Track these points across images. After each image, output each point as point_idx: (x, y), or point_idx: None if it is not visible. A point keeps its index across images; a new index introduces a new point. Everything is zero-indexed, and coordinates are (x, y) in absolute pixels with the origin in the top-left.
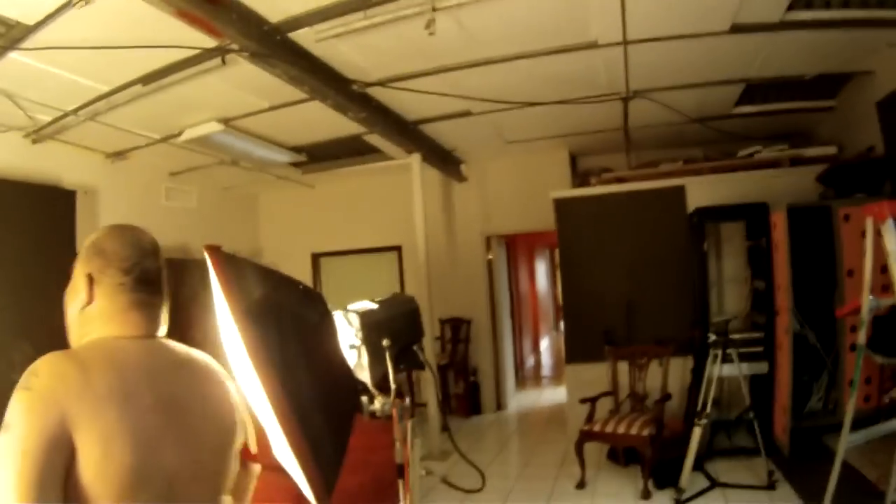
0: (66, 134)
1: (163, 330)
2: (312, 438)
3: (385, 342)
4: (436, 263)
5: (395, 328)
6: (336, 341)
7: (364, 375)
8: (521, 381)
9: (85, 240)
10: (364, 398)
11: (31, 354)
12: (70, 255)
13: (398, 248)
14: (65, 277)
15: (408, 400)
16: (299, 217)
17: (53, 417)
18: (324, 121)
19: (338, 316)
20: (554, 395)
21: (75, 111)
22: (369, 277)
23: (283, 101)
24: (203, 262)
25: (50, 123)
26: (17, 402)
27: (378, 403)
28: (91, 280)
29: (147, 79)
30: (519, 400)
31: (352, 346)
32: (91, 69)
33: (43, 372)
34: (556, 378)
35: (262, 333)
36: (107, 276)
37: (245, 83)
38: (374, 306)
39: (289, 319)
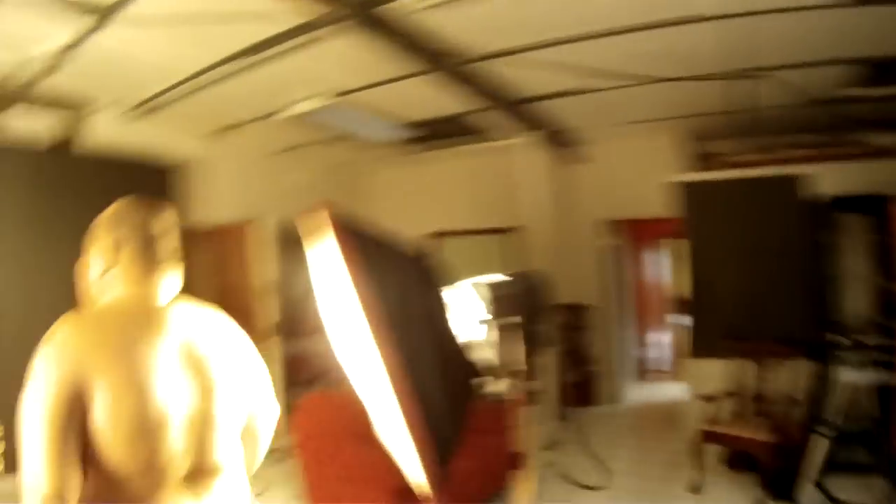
0: (166, 111)
1: (177, 290)
2: (430, 415)
3: (516, 318)
4: (552, 247)
5: (525, 305)
6: (447, 315)
7: (489, 353)
8: (639, 374)
9: (102, 215)
10: (487, 378)
11: None
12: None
13: (515, 230)
14: None
15: (533, 383)
16: (413, 196)
17: (71, 369)
18: (434, 96)
19: (467, 288)
20: (668, 389)
21: (175, 86)
22: (485, 259)
23: (392, 75)
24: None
25: (148, 100)
26: (40, 357)
27: (502, 384)
28: (117, 246)
29: (248, 52)
30: (633, 393)
31: (481, 321)
32: (189, 44)
33: (61, 329)
34: (670, 372)
35: (380, 298)
36: (130, 244)
37: (350, 57)
38: (505, 280)
39: (408, 287)
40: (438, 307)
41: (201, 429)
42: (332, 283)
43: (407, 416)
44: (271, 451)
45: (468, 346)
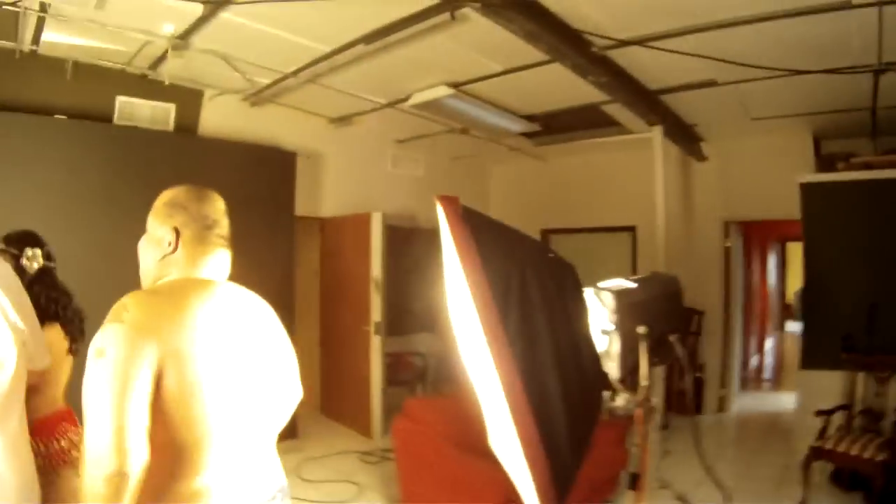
0: (286, 97)
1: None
2: (549, 430)
3: (641, 329)
4: (670, 248)
5: (653, 313)
6: (586, 321)
7: (611, 366)
8: (743, 383)
9: (163, 196)
10: (605, 393)
11: None
12: (288, 216)
13: (632, 229)
14: (282, 238)
15: (655, 400)
16: (530, 191)
17: (145, 345)
18: (560, 86)
19: (589, 294)
20: (776, 401)
21: (295, 73)
22: (601, 258)
23: (516, 64)
24: (428, 232)
25: (269, 86)
26: (112, 333)
27: (621, 400)
28: (177, 232)
29: (370, 38)
30: (741, 402)
31: (603, 332)
32: (310, 28)
33: (132, 306)
34: (779, 382)
35: (501, 299)
36: (189, 230)
37: (476, 42)
38: (632, 285)
39: (535, 288)
40: (576, 311)
41: (259, 403)
42: (454, 277)
43: (523, 433)
44: (368, 454)
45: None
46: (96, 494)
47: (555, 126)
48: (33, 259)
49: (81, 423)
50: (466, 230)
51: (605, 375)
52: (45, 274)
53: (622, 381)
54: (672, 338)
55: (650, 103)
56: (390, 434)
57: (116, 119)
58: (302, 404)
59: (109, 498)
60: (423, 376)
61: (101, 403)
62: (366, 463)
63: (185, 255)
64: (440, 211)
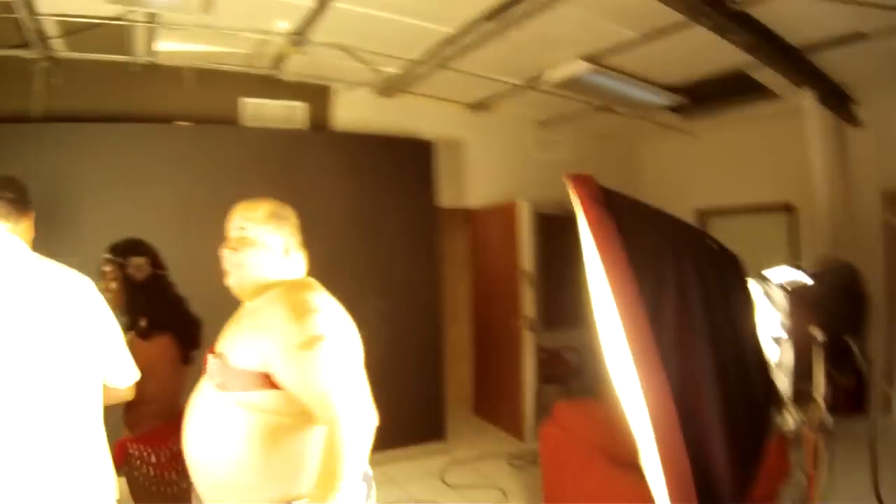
0: (419, 85)
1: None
2: (701, 453)
3: (816, 333)
4: (833, 226)
5: (829, 312)
6: (753, 324)
7: (781, 379)
8: None
9: (264, 208)
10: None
11: (382, 310)
12: (431, 208)
13: (789, 208)
14: (426, 231)
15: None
16: (681, 170)
17: (346, 324)
18: (701, 51)
19: (755, 290)
20: None
21: (421, 60)
22: (757, 240)
23: (652, 28)
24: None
25: (398, 76)
26: (324, 321)
27: (790, 418)
28: (286, 240)
29: (493, 13)
30: None
31: (774, 339)
32: (428, 9)
33: (321, 295)
34: None
35: (650, 296)
36: (294, 238)
37: (608, 7)
38: (807, 280)
39: (693, 283)
40: (741, 312)
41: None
42: (593, 269)
43: (667, 454)
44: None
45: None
46: (365, 448)
47: (701, 97)
48: (139, 268)
49: None
50: (605, 215)
51: (775, 389)
52: (154, 282)
53: (796, 394)
54: (852, 343)
55: (796, 62)
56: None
57: (245, 121)
58: (453, 404)
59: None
60: (579, 373)
61: (351, 373)
62: (514, 467)
63: (295, 259)
64: (572, 193)
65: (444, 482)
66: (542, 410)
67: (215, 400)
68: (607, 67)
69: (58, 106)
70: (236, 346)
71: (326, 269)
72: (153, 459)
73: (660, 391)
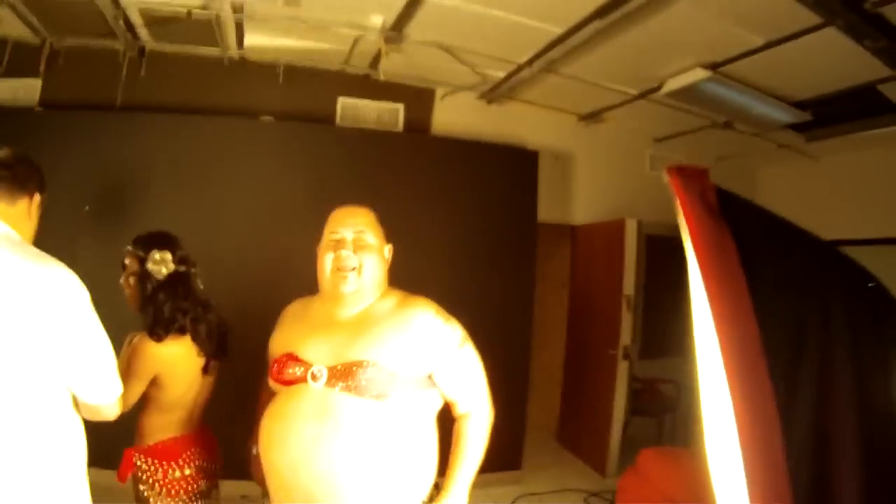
0: (527, 92)
1: None
2: None
3: None
4: None
5: None
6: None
7: None
8: None
9: (371, 214)
10: None
11: (467, 327)
12: (530, 221)
13: None
14: (523, 246)
15: None
16: (802, 195)
17: None
18: (831, 61)
19: None
20: None
21: (529, 63)
22: (889, 278)
23: (780, 33)
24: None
25: (504, 80)
26: (459, 327)
27: None
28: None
29: (604, 10)
30: None
31: None
32: (533, 6)
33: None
34: None
35: (780, 349)
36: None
37: (732, 7)
38: None
39: (841, 333)
40: (878, 348)
41: None
42: (697, 298)
43: None
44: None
45: None
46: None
47: (828, 114)
48: (161, 263)
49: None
50: (717, 225)
51: None
52: (175, 280)
53: None
54: None
55: None
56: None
57: (339, 121)
58: (537, 429)
59: None
60: (674, 407)
61: (481, 375)
62: None
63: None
64: (673, 191)
65: None
66: (630, 444)
67: (364, 409)
68: (729, 76)
69: (143, 96)
70: (393, 353)
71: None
72: (160, 475)
73: (767, 459)
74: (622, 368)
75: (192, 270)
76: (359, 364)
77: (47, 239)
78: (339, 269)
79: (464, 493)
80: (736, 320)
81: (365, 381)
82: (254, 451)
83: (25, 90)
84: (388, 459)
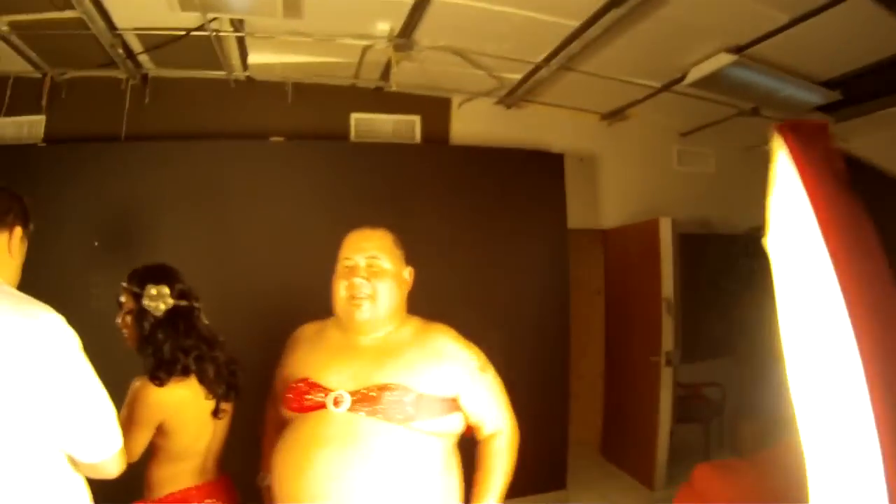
0: (545, 93)
1: None
2: None
3: None
4: None
5: None
6: None
7: None
8: None
9: (389, 236)
10: None
11: (500, 342)
12: (560, 227)
13: None
14: (554, 253)
15: None
16: None
17: None
18: (861, 33)
19: None
20: None
21: (545, 61)
22: None
23: (805, 7)
24: (726, 239)
25: (521, 82)
26: (482, 354)
27: None
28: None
29: None
30: None
31: None
32: None
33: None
34: None
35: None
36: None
37: None
38: None
39: None
40: None
41: None
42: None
43: None
44: None
45: None
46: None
47: (857, 94)
48: (158, 298)
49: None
50: (854, 204)
51: None
52: (175, 317)
53: None
54: None
55: None
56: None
57: (354, 137)
58: (580, 444)
59: None
60: (719, 411)
61: (503, 393)
62: None
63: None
64: (783, 154)
65: None
66: (677, 453)
67: (391, 434)
68: (755, 60)
69: (148, 125)
70: (418, 376)
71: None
72: None
73: None
74: (666, 375)
75: (195, 305)
76: (385, 387)
77: (58, 277)
78: (352, 297)
79: None
80: (881, 313)
81: (391, 405)
82: (265, 483)
83: (30, 127)
84: (416, 484)
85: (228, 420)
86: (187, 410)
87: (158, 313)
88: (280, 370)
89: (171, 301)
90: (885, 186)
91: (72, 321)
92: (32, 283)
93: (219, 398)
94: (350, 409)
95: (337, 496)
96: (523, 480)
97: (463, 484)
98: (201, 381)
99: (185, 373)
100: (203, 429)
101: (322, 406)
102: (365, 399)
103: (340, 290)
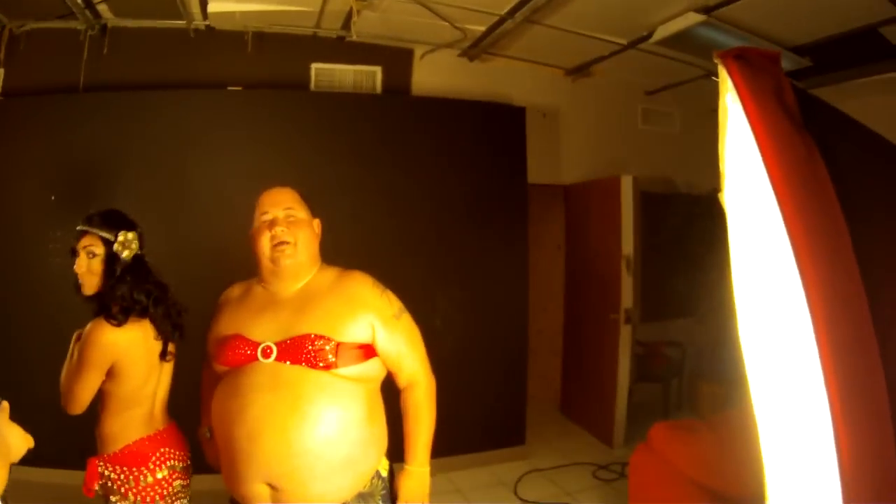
0: (510, 47)
1: None
2: None
3: None
4: None
5: None
6: None
7: None
8: None
9: (295, 192)
10: None
11: (458, 298)
12: (520, 182)
13: None
14: (514, 208)
15: None
16: None
17: None
18: (833, 2)
19: None
20: None
21: (510, 13)
22: None
23: None
24: (687, 198)
25: (485, 34)
26: (398, 301)
27: None
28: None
29: None
30: None
31: None
32: None
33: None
34: None
35: (878, 260)
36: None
37: None
38: None
39: None
40: None
41: None
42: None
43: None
44: (603, 467)
45: None
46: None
47: (827, 62)
48: (127, 244)
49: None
50: (804, 141)
51: None
52: (138, 262)
53: None
54: None
55: None
56: (634, 447)
57: (314, 87)
58: (539, 402)
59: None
60: (679, 371)
61: (420, 342)
62: (599, 480)
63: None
64: (730, 89)
65: (517, 496)
66: (636, 412)
67: (314, 379)
68: (724, 21)
69: (107, 76)
70: (336, 324)
71: (396, 250)
72: (132, 483)
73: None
74: (625, 333)
75: (144, 252)
76: (305, 336)
77: (17, 232)
78: (275, 246)
79: (426, 460)
80: (830, 258)
81: (312, 353)
82: (207, 435)
83: None
84: (341, 425)
85: (172, 366)
86: (138, 350)
87: (127, 259)
88: (211, 330)
89: (135, 247)
90: (838, 123)
91: (32, 276)
92: None
93: (166, 339)
94: (277, 360)
95: (271, 438)
96: (483, 435)
97: (387, 430)
98: (152, 321)
99: (142, 314)
100: (152, 371)
101: (253, 358)
102: (288, 348)
103: (263, 242)
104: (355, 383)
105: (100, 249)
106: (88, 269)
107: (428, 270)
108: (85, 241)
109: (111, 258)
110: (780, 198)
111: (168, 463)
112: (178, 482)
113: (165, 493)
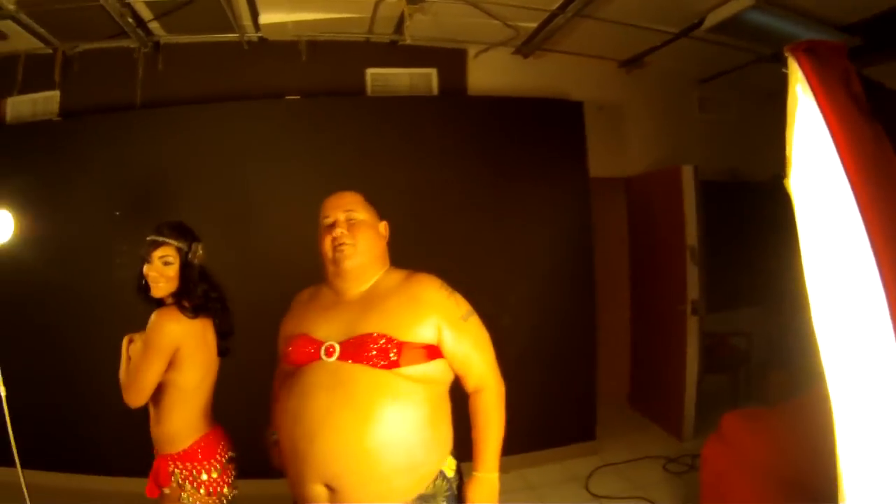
0: (563, 41)
1: None
2: None
3: None
4: None
5: None
6: None
7: None
8: None
9: (359, 195)
10: None
11: (526, 295)
12: (581, 175)
13: None
14: (576, 202)
15: None
16: None
17: None
18: None
19: None
20: None
21: (561, 7)
22: None
23: None
24: (751, 186)
25: (537, 31)
26: (466, 304)
27: None
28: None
29: None
30: None
31: None
32: None
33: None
34: None
35: None
36: None
37: None
38: None
39: None
40: None
41: None
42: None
43: None
44: (674, 460)
45: None
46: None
47: (879, 39)
48: (198, 254)
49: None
50: (873, 128)
51: None
52: (203, 269)
53: None
54: None
55: None
56: (704, 439)
57: (370, 92)
58: (608, 396)
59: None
60: (746, 360)
61: (489, 345)
62: (669, 473)
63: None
64: (800, 80)
65: (588, 491)
66: (704, 402)
67: (374, 378)
68: (776, 3)
69: (163, 92)
70: (400, 324)
71: (462, 250)
72: (205, 477)
73: None
74: (692, 324)
75: None
76: (368, 336)
77: (84, 249)
78: (336, 247)
79: (495, 466)
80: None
81: (375, 352)
82: (273, 438)
83: (44, 103)
84: (401, 425)
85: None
86: (197, 340)
87: (195, 266)
88: (281, 331)
89: (202, 255)
90: None
91: (100, 292)
92: (59, 257)
93: (225, 337)
94: (339, 359)
95: (326, 438)
96: (553, 431)
97: (452, 432)
98: (216, 318)
99: (207, 313)
100: (211, 364)
101: (316, 357)
102: (351, 347)
103: (326, 244)
104: (418, 384)
105: (174, 259)
106: (162, 275)
107: (495, 269)
108: (161, 252)
109: (186, 266)
110: (854, 185)
111: (224, 459)
112: (230, 477)
113: (225, 485)
